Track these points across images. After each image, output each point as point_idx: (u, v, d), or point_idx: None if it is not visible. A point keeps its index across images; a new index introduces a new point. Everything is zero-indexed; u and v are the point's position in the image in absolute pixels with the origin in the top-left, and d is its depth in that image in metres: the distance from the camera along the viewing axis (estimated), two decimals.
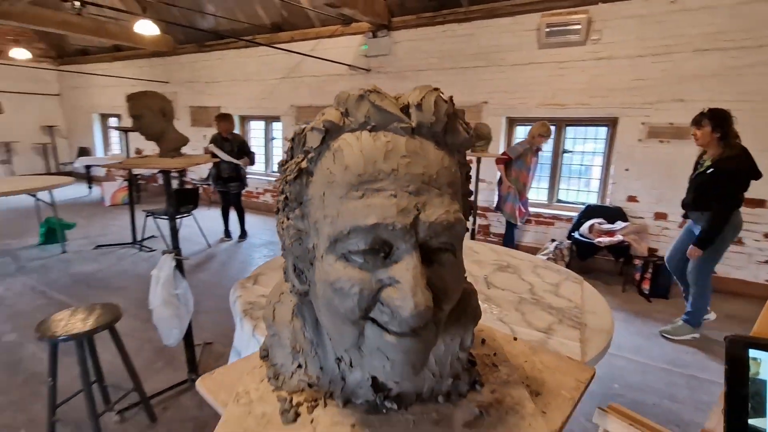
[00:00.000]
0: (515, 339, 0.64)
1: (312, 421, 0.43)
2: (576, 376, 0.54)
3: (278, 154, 6.84)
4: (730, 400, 0.54)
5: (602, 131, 4.40)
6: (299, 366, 0.49)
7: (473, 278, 1.92)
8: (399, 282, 0.35)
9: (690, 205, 2.74)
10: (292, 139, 0.44)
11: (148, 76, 7.93)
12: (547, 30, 4.14)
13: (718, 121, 2.51)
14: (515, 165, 4.16)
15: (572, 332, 1.43)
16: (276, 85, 6.35)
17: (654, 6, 3.76)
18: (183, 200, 4.53)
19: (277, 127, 6.73)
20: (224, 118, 4.82)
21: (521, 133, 4.82)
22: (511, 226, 4.43)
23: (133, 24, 5.38)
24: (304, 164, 0.42)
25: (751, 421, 0.52)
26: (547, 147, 4.53)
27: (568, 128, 4.57)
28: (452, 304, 0.40)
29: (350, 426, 0.43)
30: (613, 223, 4.07)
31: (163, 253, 2.12)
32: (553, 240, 4.44)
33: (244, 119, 7.10)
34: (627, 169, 4.16)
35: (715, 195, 2.54)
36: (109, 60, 8.57)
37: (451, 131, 0.41)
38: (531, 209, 4.60)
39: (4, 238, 4.99)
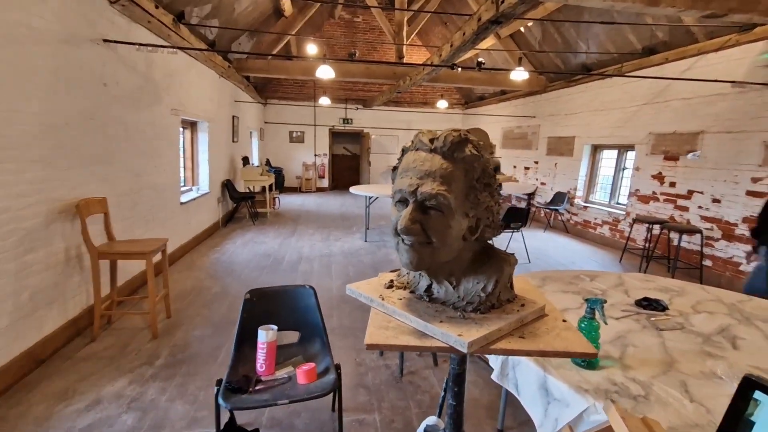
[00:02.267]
0: (564, 321, 0.78)
1: (394, 291, 0.88)
2: (569, 346, 0.69)
3: (627, 185, 6.33)
4: (720, 430, 0.53)
5: None
6: (408, 272, 0.94)
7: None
8: (402, 216, 0.75)
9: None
10: (402, 152, 0.90)
11: (520, 113, 9.32)
12: None
13: None
14: None
15: None
16: (635, 112, 5.94)
17: None
18: (514, 217, 5.24)
19: (630, 156, 6.25)
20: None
21: None
22: None
23: (510, 72, 6.63)
24: (396, 163, 0.88)
25: None
26: None
27: None
28: (439, 239, 0.73)
29: (402, 297, 0.84)
30: None
31: None
32: None
33: (596, 148, 7.03)
34: None
35: None
36: (496, 102, 10.66)
37: (458, 151, 0.74)
38: None
39: None
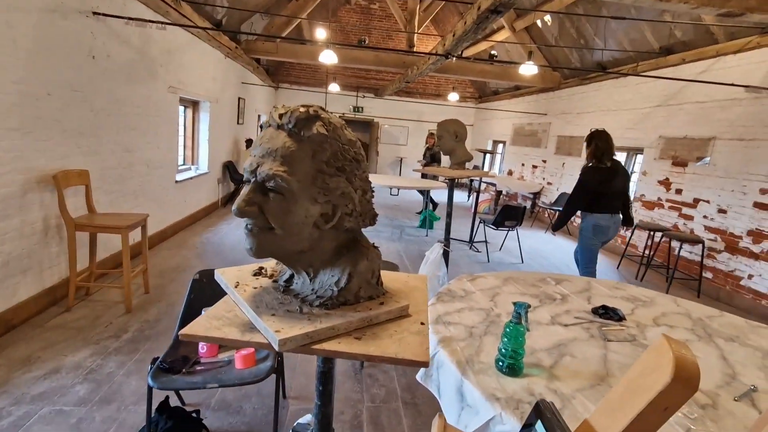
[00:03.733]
0: (422, 324, 0.72)
1: (257, 279, 0.83)
2: (399, 350, 0.63)
3: (632, 189, 6.11)
4: None
5: None
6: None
7: (732, 383, 1.36)
8: (240, 195, 0.69)
9: None
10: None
11: (532, 109, 9.07)
12: None
13: (589, 139, 3.36)
14: None
15: None
16: (646, 114, 5.70)
17: None
18: (509, 215, 5.11)
19: (639, 160, 6.02)
20: (432, 135, 6.48)
21: None
22: None
23: (520, 67, 6.43)
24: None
25: None
26: None
27: None
28: (279, 224, 0.67)
29: (259, 285, 0.79)
30: None
31: (437, 242, 2.76)
32: None
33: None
34: None
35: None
36: (509, 98, 10.41)
37: (305, 129, 0.68)
38: None
39: (400, 217, 7.44)
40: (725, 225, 4.46)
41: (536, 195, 8.58)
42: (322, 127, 0.70)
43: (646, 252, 5.19)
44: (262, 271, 0.87)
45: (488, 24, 3.86)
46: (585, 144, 3.42)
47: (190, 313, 1.90)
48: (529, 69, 6.07)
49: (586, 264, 3.54)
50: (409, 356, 0.60)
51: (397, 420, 2.13)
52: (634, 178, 6.10)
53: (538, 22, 7.31)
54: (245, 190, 0.70)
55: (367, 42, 9.70)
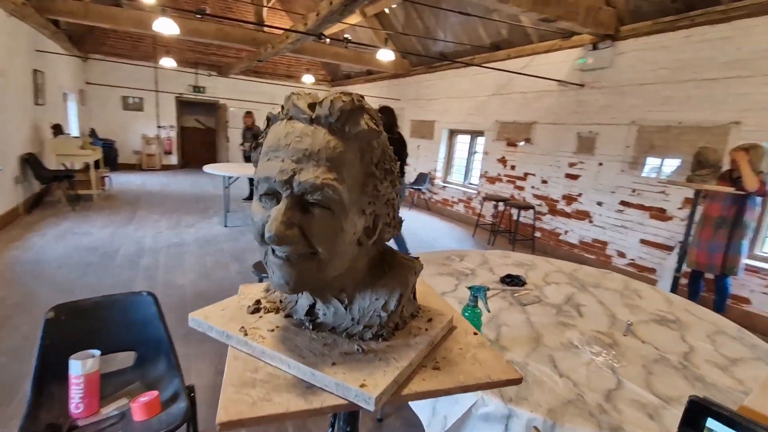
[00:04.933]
0: (475, 334, 0.66)
1: (261, 317, 0.64)
2: (490, 373, 0.56)
3: (478, 167, 7.05)
4: None
5: None
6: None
7: (612, 321, 1.66)
8: (270, 216, 0.51)
9: None
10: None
11: (386, 95, 9.51)
12: None
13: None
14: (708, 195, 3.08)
15: None
16: (485, 102, 6.59)
17: None
18: None
19: (480, 142, 6.96)
20: (249, 114, 7.21)
21: None
22: (695, 276, 3.32)
23: (376, 53, 6.62)
24: (260, 140, 0.63)
25: None
26: None
27: None
28: (327, 248, 0.53)
29: (275, 326, 0.61)
30: None
31: None
32: None
33: (453, 133, 7.63)
34: None
35: None
36: (363, 82, 10.68)
37: (352, 123, 0.53)
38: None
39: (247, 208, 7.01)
40: (547, 192, 5.55)
41: None
42: (371, 120, 0.56)
43: (494, 220, 6.10)
44: (261, 304, 0.66)
45: (356, 7, 3.82)
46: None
47: (49, 364, 1.40)
48: (386, 55, 6.29)
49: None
50: (502, 376, 0.53)
51: None
52: (478, 157, 7.04)
53: (386, 10, 7.62)
54: (280, 208, 0.51)
55: (207, 11, 8.55)
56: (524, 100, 5.85)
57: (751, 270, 3.46)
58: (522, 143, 5.85)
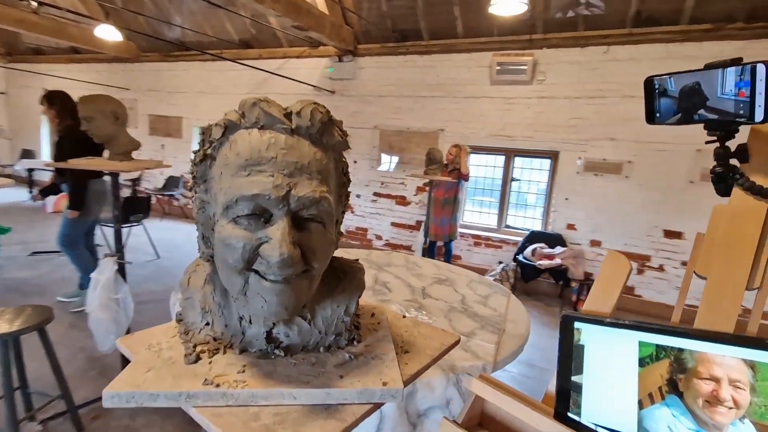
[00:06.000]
0: (404, 317, 0.76)
1: (210, 363, 0.52)
2: (442, 341, 0.67)
3: None
4: (560, 362, 0.68)
5: (546, 163, 4.77)
6: (207, 323, 0.58)
7: (412, 289, 2.05)
8: (271, 238, 0.46)
9: None
10: (203, 133, 0.56)
11: (107, 81, 7.72)
12: (498, 68, 4.52)
13: (51, 99, 3.04)
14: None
15: (491, 336, 1.57)
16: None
17: (590, 54, 4.22)
18: (133, 209, 4.41)
19: None
20: None
21: (474, 159, 5.12)
22: (431, 245, 4.48)
23: (95, 28, 5.32)
24: (208, 151, 0.53)
25: (573, 378, 0.66)
26: (498, 175, 4.87)
27: (516, 158, 4.91)
28: (321, 263, 0.52)
29: (242, 366, 0.52)
30: (553, 248, 4.38)
31: (105, 256, 2.10)
32: (500, 262, 4.69)
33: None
34: (567, 199, 4.52)
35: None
36: (65, 62, 8.29)
37: (328, 134, 0.53)
38: (483, 233, 4.87)
39: None
40: None
41: (135, 181, 7.64)
42: (339, 131, 0.55)
43: None
44: (195, 349, 0.54)
45: None
46: (47, 104, 3.06)
47: None
48: (109, 32, 5.15)
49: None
50: (449, 340, 0.66)
51: None
52: None
53: None
54: (283, 228, 0.46)
55: None
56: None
57: (461, 235, 4.89)
58: None
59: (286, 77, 5.41)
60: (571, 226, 4.52)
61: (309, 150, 0.50)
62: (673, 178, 3.93)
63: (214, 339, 0.57)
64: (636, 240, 4.21)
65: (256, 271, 0.48)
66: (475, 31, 4.68)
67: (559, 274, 4.19)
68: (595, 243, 4.42)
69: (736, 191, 0.61)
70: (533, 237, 4.59)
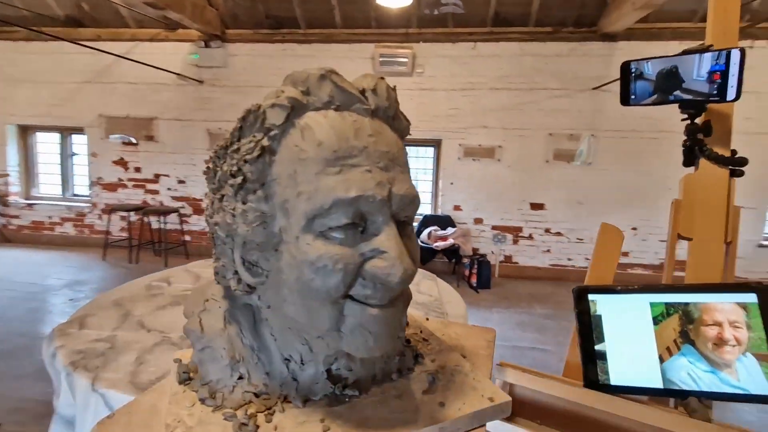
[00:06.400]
0: (427, 319, 0.70)
1: (276, 429, 0.39)
2: (484, 337, 0.63)
3: (80, 173, 5.58)
4: (581, 334, 0.71)
5: (430, 151, 5.09)
6: (240, 377, 0.43)
7: None
8: (385, 252, 0.35)
9: None
10: (243, 118, 0.40)
11: None
12: (381, 59, 4.61)
13: None
14: None
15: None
16: (77, 91, 5.23)
17: (460, 50, 4.61)
18: None
19: (80, 141, 5.52)
20: None
21: None
22: None
23: None
24: (265, 142, 0.39)
25: (597, 347, 0.70)
26: None
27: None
28: (415, 273, 0.43)
29: (319, 421, 0.40)
30: (445, 229, 4.73)
31: None
32: None
33: (27, 130, 5.58)
34: (452, 183, 4.91)
35: None
36: None
37: (397, 117, 0.44)
38: None
39: None
40: (188, 192, 5.28)
41: None
42: (405, 116, 0.45)
43: (127, 234, 5.14)
44: (246, 413, 0.39)
45: None
46: None
47: None
48: None
49: None
50: (490, 334, 0.63)
51: None
52: (81, 160, 5.56)
53: None
54: (395, 236, 0.37)
55: None
56: (137, 92, 5.14)
57: None
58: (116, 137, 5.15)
59: (142, 63, 4.60)
60: (457, 207, 4.94)
61: (392, 136, 0.41)
62: (533, 159, 4.60)
63: (257, 395, 0.43)
64: (509, 214, 4.83)
65: (351, 297, 0.37)
66: (353, 22, 4.68)
67: (453, 252, 4.56)
68: (478, 221, 4.92)
69: (703, 162, 0.72)
70: (426, 221, 4.88)
